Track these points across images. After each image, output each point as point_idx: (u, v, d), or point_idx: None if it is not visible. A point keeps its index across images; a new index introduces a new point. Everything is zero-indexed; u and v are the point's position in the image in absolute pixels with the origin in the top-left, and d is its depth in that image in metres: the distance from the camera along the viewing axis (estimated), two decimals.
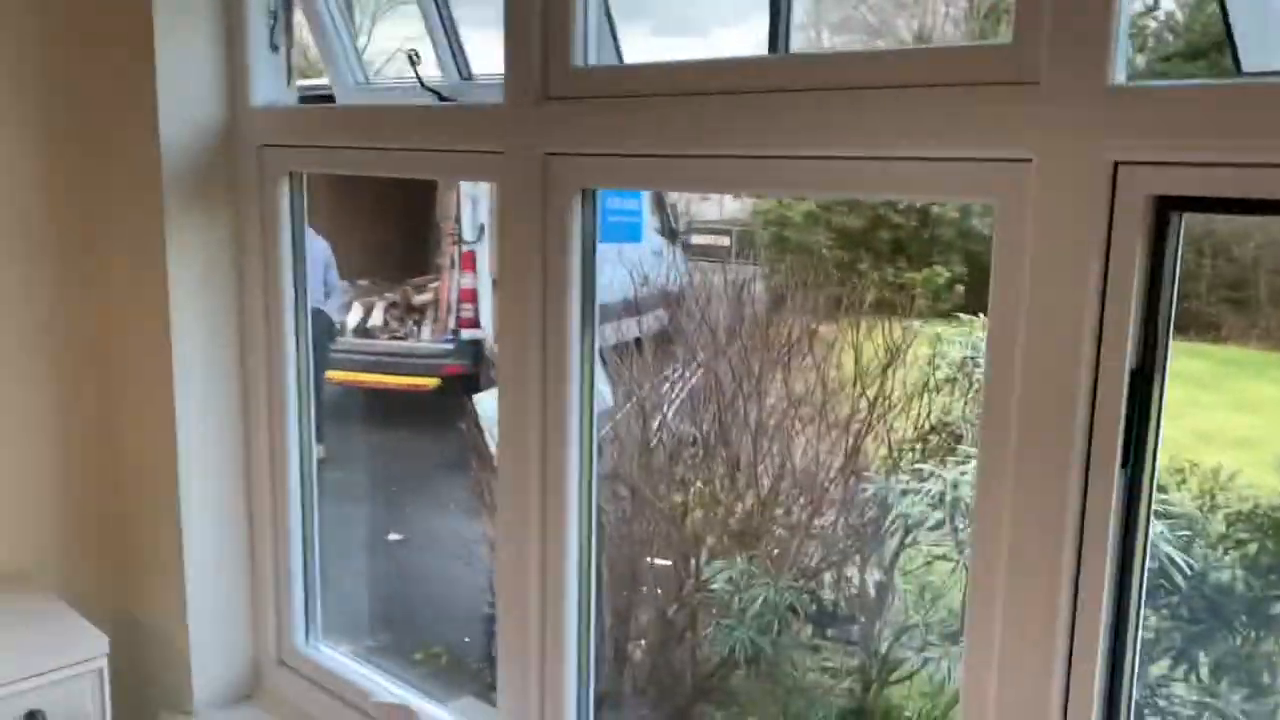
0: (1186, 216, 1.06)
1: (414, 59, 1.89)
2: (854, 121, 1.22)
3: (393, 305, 7.77)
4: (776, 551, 3.07)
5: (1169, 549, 2.27)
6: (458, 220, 7.51)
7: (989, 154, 1.12)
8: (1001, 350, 1.14)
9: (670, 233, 8.09)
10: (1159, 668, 2.35)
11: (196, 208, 2.05)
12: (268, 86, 2.08)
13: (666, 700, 3.11)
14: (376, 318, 7.65)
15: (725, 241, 8.89)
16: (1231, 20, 1.23)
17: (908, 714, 3.14)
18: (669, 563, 3.11)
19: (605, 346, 4.40)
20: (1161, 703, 2.32)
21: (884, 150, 1.21)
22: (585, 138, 1.54)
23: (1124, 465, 1.09)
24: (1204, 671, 2.38)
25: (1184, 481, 2.55)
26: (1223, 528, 2.45)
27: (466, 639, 4.33)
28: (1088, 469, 1.10)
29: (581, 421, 1.64)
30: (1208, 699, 2.35)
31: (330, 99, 2.09)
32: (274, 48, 2.10)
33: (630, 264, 4.85)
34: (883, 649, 3.11)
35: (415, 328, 7.67)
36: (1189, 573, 2.30)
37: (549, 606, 1.72)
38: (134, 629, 2.11)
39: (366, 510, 5.70)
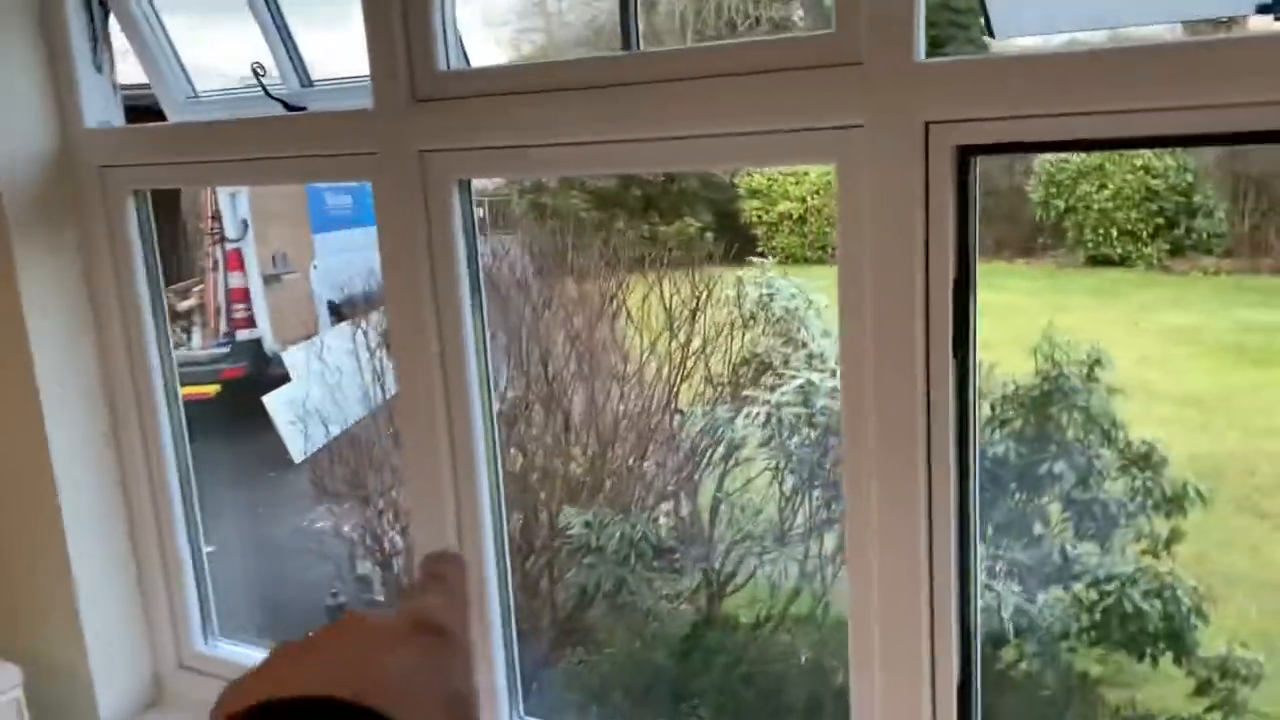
0: (978, 160, 1.39)
1: (258, 71, 1.98)
2: (712, 104, 1.47)
3: None
4: (620, 492, 3.35)
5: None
6: (216, 218, 7.26)
7: (828, 123, 1.40)
8: (850, 274, 1.43)
9: None
10: None
11: (41, 232, 2.05)
12: (98, 106, 2.09)
13: (533, 646, 3.33)
14: None
15: (479, 214, 9.03)
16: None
17: (747, 618, 3.52)
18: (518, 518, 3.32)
19: (385, 333, 4.50)
20: None
21: (739, 127, 1.47)
22: (457, 134, 1.71)
23: (954, 354, 1.41)
24: (990, 531, 2.86)
25: None
26: (990, 411, 2.93)
27: (311, 633, 4.36)
28: (929, 359, 1.41)
29: (482, 395, 1.83)
30: (996, 553, 2.83)
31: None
32: (98, 68, 2.11)
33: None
34: (718, 565, 3.46)
35: (184, 335, 7.38)
36: None
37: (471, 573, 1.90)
38: (31, 659, 2.10)
39: (201, 524, 5.54)
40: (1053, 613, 2.76)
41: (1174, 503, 2.94)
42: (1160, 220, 8.35)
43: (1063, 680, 2.90)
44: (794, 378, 2.94)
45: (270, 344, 7.09)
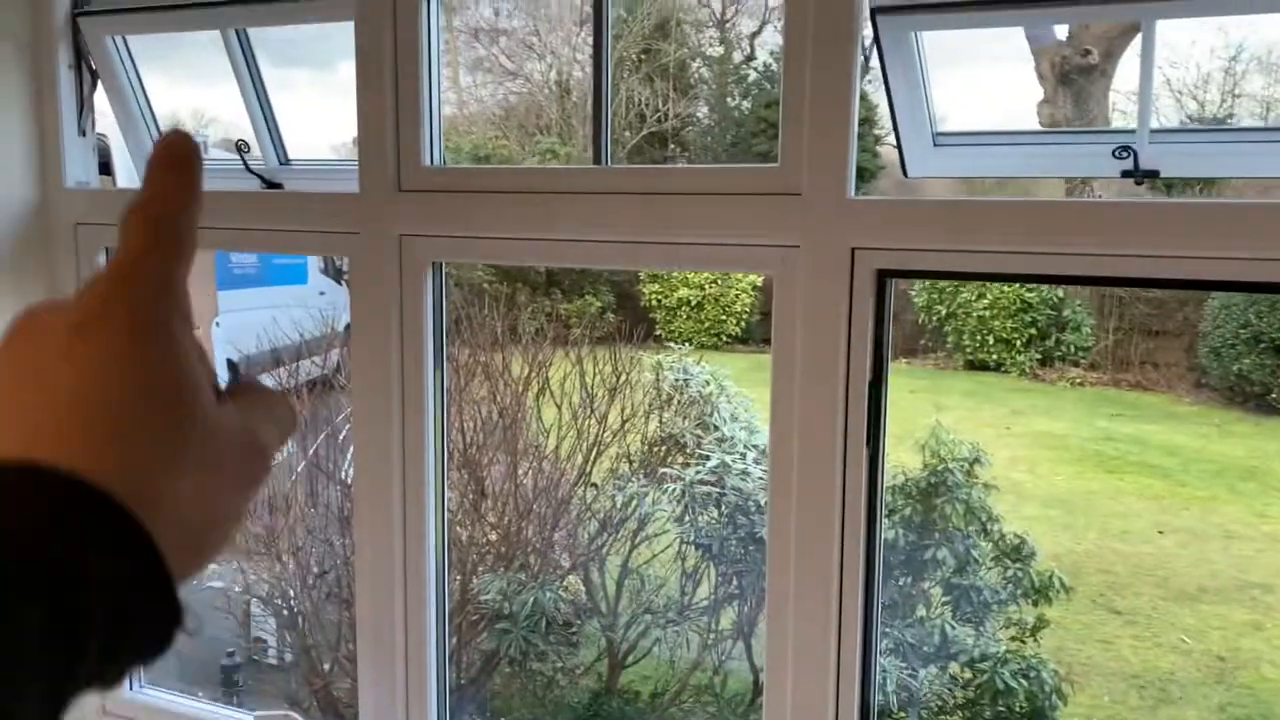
0: (894, 281, 1.65)
1: (242, 148, 2.14)
2: (670, 216, 1.70)
3: None
4: (531, 561, 3.49)
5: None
6: None
7: (770, 242, 1.64)
8: (782, 372, 1.66)
9: (336, 272, 8.26)
10: None
11: (13, 284, 2.14)
12: (78, 167, 2.22)
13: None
14: None
15: None
16: (902, 142, 1.85)
17: (639, 689, 3.66)
18: None
19: (292, 389, 4.58)
20: None
21: (693, 238, 1.70)
22: (435, 222, 1.90)
23: (868, 444, 1.65)
24: (880, 612, 3.09)
25: None
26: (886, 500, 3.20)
27: (200, 693, 4.31)
28: (845, 449, 1.64)
29: (438, 464, 1.99)
30: (884, 630, 3.07)
31: None
32: (81, 131, 2.24)
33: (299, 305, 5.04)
34: (619, 636, 3.61)
35: None
36: None
37: (410, 631, 2.03)
38: None
39: None
40: (932, 688, 3.01)
41: (1040, 592, 3.24)
42: (1033, 331, 8.92)
43: None
44: (707, 458, 3.16)
45: None
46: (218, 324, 7.64)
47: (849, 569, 1.67)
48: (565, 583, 3.58)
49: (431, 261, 1.93)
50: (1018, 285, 8.69)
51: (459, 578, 3.41)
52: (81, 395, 0.33)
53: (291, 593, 3.86)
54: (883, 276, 1.61)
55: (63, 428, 0.32)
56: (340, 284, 7.94)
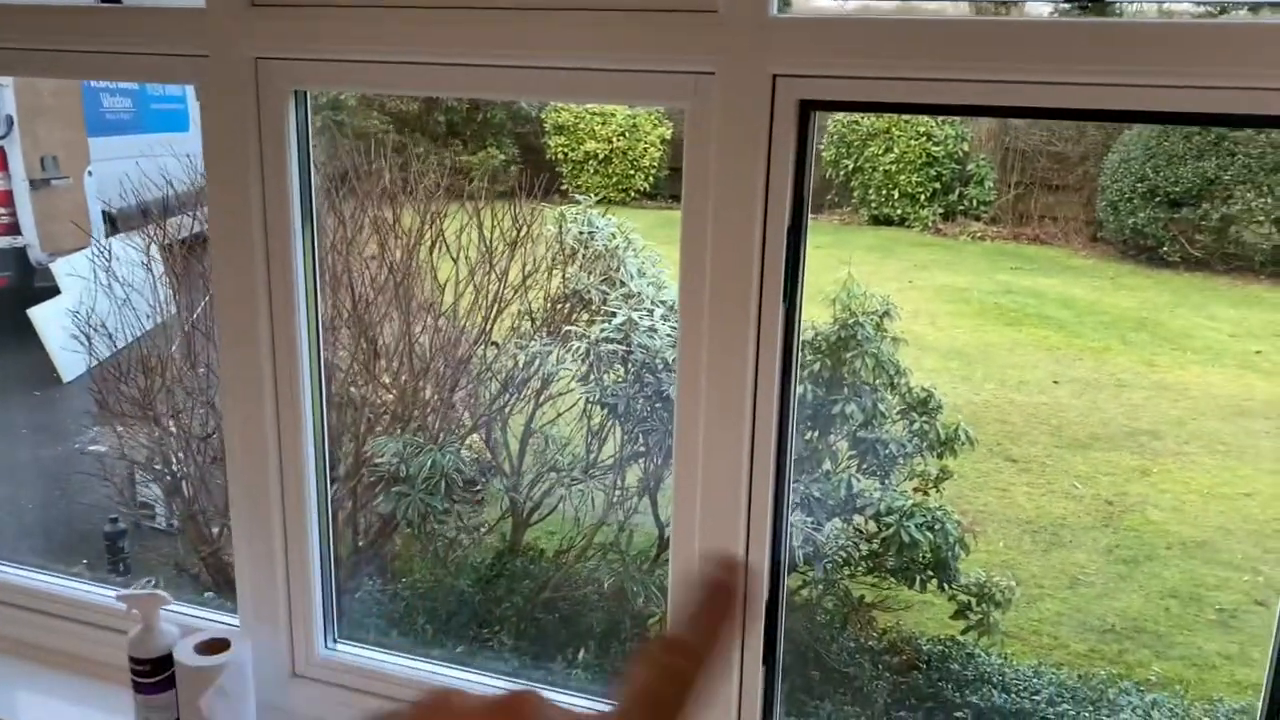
0: (818, 114, 1.48)
1: None
2: (565, 35, 1.49)
3: None
4: (430, 423, 3.34)
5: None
6: None
7: (681, 68, 1.45)
8: (694, 216, 1.50)
9: None
10: None
11: None
12: None
13: (338, 572, 3.29)
14: None
15: None
16: None
17: (544, 547, 3.60)
18: None
19: (165, 246, 4.26)
20: None
21: (593, 62, 1.49)
22: (294, 43, 1.65)
23: (785, 298, 1.51)
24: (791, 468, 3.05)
25: None
26: None
27: (85, 560, 4.14)
28: (761, 303, 1.50)
29: (309, 313, 1.79)
30: (792, 486, 3.03)
31: None
32: None
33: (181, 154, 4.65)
34: (524, 494, 3.52)
35: None
36: None
37: (287, 499, 1.86)
38: None
39: None
40: (837, 542, 3.00)
41: (946, 445, 3.23)
42: (937, 185, 8.93)
43: (841, 604, 3.16)
44: (613, 315, 3.02)
45: (37, 254, 6.53)
46: (90, 173, 7.11)
47: (761, 428, 1.55)
48: (468, 442, 3.45)
49: (293, 89, 1.68)
50: (924, 138, 8.61)
51: (353, 441, 3.25)
52: None
53: (174, 457, 3.65)
54: (806, 108, 1.44)
55: None
56: None
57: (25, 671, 2.06)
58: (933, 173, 8.93)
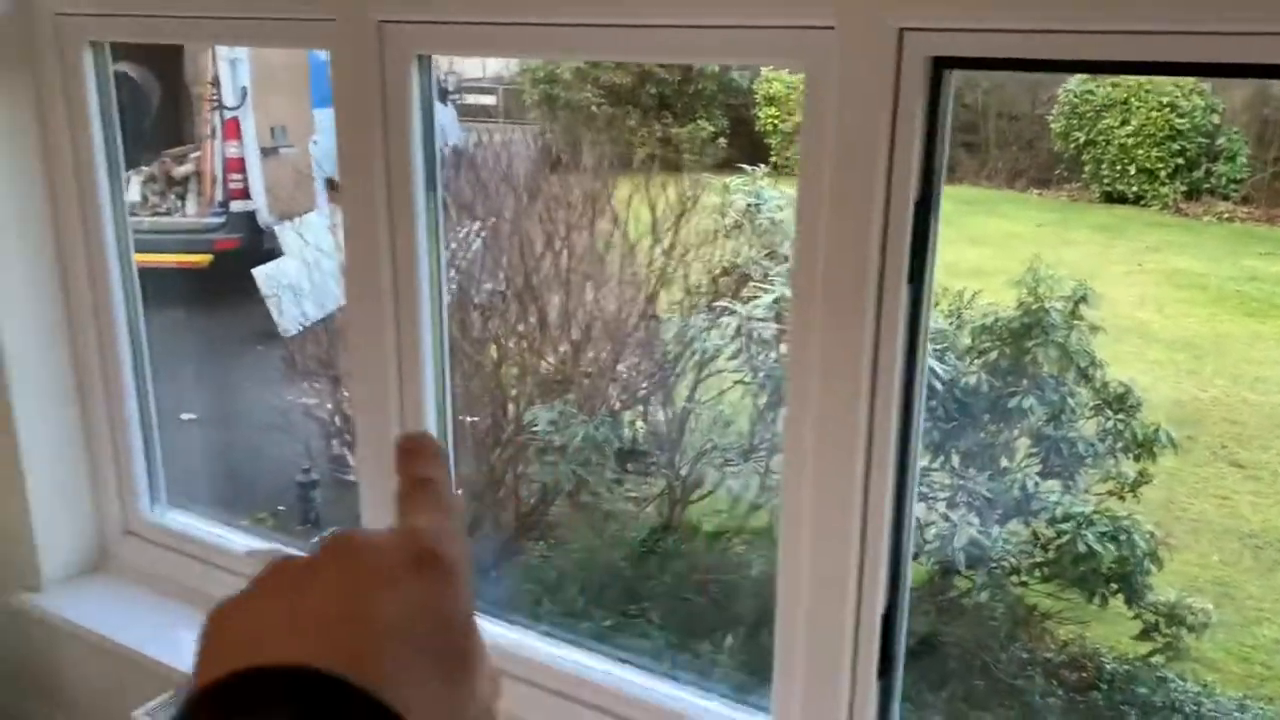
0: (953, 74, 1.31)
1: None
2: None
3: (150, 179, 7.27)
4: (588, 394, 3.32)
5: (929, 360, 2.67)
6: (215, 85, 7.09)
7: (797, 22, 1.32)
8: (811, 186, 1.36)
9: (441, 93, 7.97)
10: (920, 460, 2.79)
11: None
12: None
13: (494, 537, 3.35)
14: (134, 193, 7.14)
15: (492, 101, 8.81)
16: None
17: (707, 528, 3.52)
18: (475, 419, 3.28)
19: None
20: (924, 489, 2.77)
21: (709, 20, 1.38)
22: (417, 7, 1.62)
23: (910, 280, 1.35)
24: (956, 460, 2.84)
25: (936, 303, 2.95)
26: (969, 340, 2.89)
27: (281, 507, 4.40)
28: (882, 284, 1.35)
29: (432, 275, 1.77)
30: (960, 482, 2.81)
31: None
32: None
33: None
34: (683, 472, 3.45)
35: (179, 202, 7.27)
36: (943, 379, 2.72)
37: None
38: None
39: (152, 393, 5.55)
40: (1006, 547, 2.76)
41: (1144, 446, 2.91)
42: (1180, 160, 8.19)
43: (1011, 612, 2.92)
44: (767, 292, 2.88)
45: (265, 217, 6.99)
46: (315, 142, 7.55)
47: (880, 418, 1.40)
48: (625, 418, 3.41)
49: (416, 54, 1.66)
50: (1167, 109, 7.89)
51: (514, 407, 3.27)
52: (398, 628, 0.37)
53: (350, 415, 3.82)
54: (939, 66, 1.28)
55: (378, 656, 0.35)
56: (445, 104, 7.68)
57: (180, 613, 2.18)
58: (1176, 147, 8.17)
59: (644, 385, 3.38)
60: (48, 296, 2.13)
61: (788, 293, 2.79)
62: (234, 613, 0.38)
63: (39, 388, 2.14)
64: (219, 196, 7.19)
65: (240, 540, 2.21)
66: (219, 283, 6.56)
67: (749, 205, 3.20)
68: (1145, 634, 2.81)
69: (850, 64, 1.29)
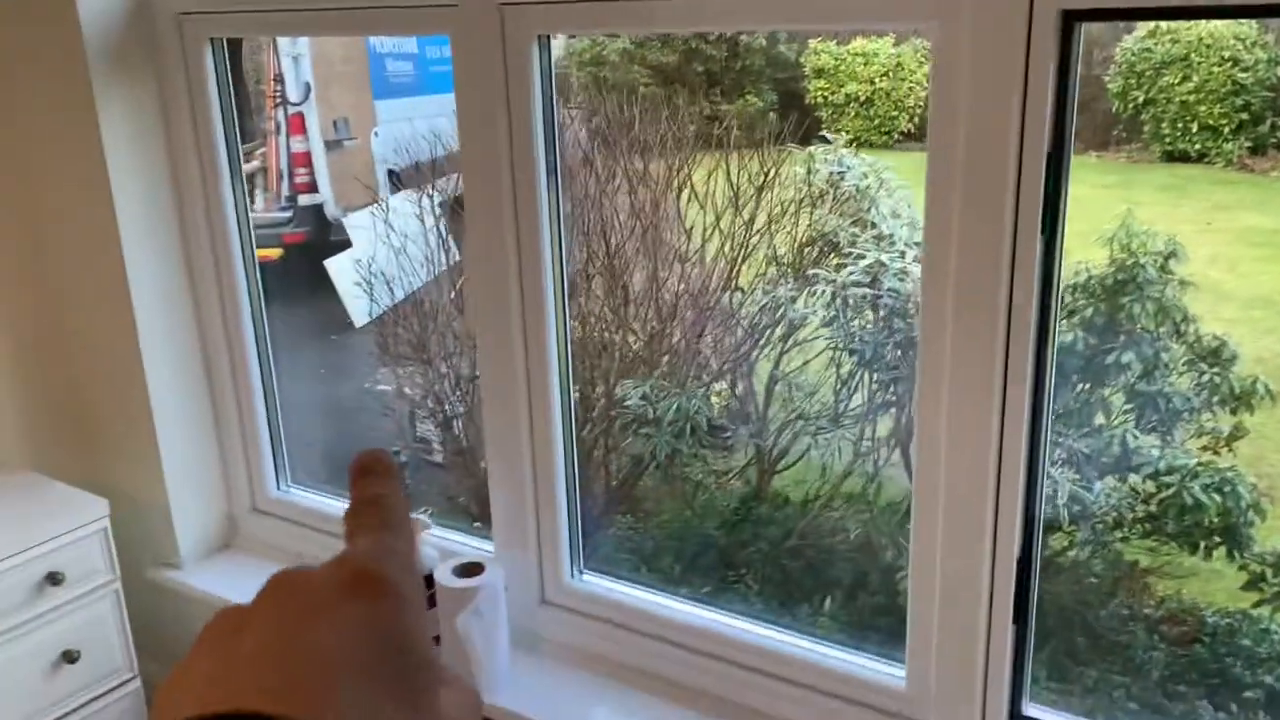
0: (1083, 27, 1.33)
1: None
2: None
3: None
4: (677, 368, 3.38)
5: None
6: (278, 81, 7.22)
7: None
8: (942, 142, 1.40)
9: None
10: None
11: (121, 81, 2.06)
12: None
13: (588, 510, 3.42)
14: None
15: None
16: None
17: (797, 495, 3.56)
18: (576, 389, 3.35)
19: (443, 202, 4.49)
20: None
21: None
22: None
23: (1043, 232, 1.39)
24: (1051, 419, 2.84)
25: None
26: (1064, 299, 2.89)
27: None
28: (1016, 238, 1.39)
29: (554, 259, 1.83)
30: (1056, 439, 2.83)
31: None
32: None
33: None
34: (770, 441, 3.49)
35: (247, 198, 7.42)
36: None
37: (537, 437, 1.93)
38: (116, 496, 2.20)
39: (275, 378, 5.72)
40: (1108, 501, 2.77)
41: (1241, 399, 2.90)
42: (1245, 116, 7.99)
43: (1111, 568, 2.93)
44: (861, 258, 2.91)
45: (332, 209, 7.12)
46: (376, 134, 7.66)
47: (1014, 372, 1.44)
48: (714, 389, 3.46)
49: (537, 34, 1.71)
50: (1229, 63, 7.72)
51: (605, 385, 3.33)
52: (336, 655, 0.35)
53: (446, 397, 3.90)
54: (1070, 19, 1.31)
55: (315, 687, 0.34)
56: None
57: None
58: (1240, 102, 7.98)
59: (732, 357, 3.42)
60: (177, 289, 2.23)
61: (883, 258, 2.82)
62: (177, 674, 0.37)
63: (172, 377, 2.24)
64: (285, 191, 7.33)
65: None
66: (289, 276, 6.71)
67: (831, 174, 3.22)
68: (1251, 584, 2.81)
69: (982, 20, 1.32)
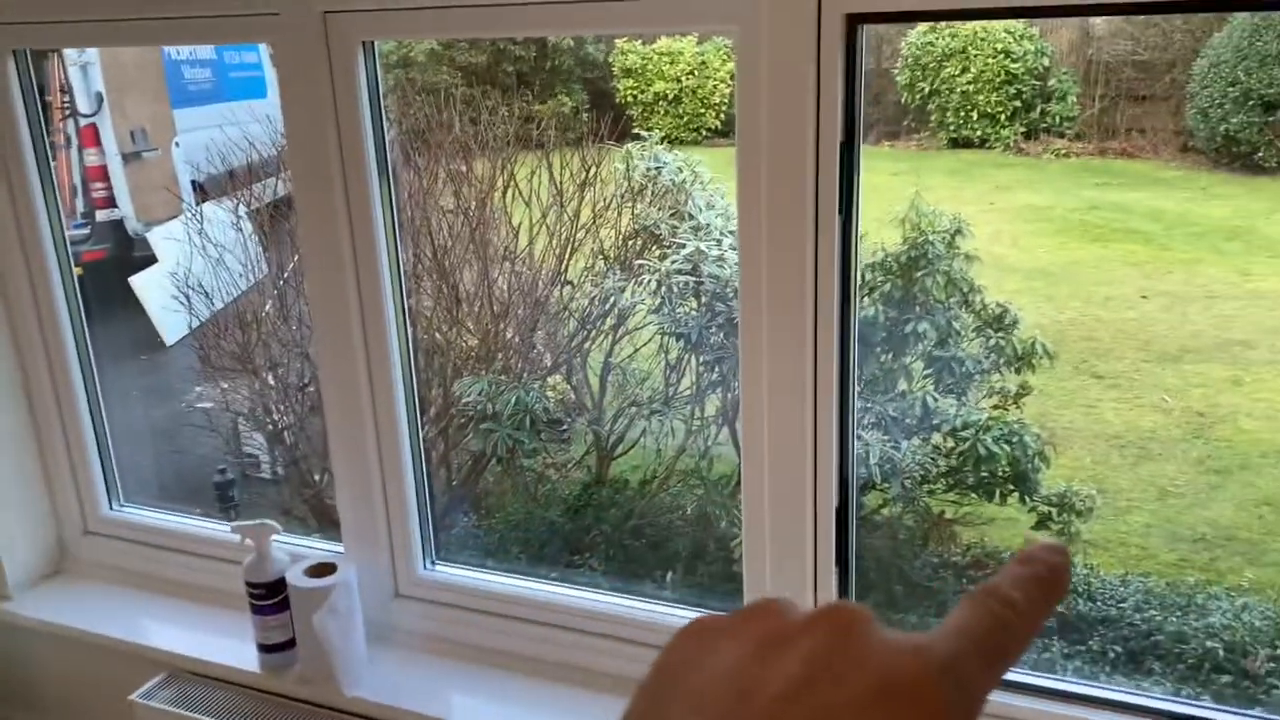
0: (866, 29, 1.50)
1: None
2: None
3: None
4: (512, 362, 3.45)
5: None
6: (65, 91, 6.83)
7: None
8: (749, 138, 1.54)
9: None
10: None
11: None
12: None
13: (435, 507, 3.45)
14: None
15: None
16: None
17: (636, 476, 3.70)
18: None
19: (253, 210, 4.42)
20: None
21: None
22: None
23: (840, 212, 1.55)
24: (859, 387, 3.09)
25: None
26: (861, 278, 3.14)
27: (198, 511, 4.37)
28: (817, 218, 1.55)
29: (390, 260, 1.88)
30: (866, 405, 3.07)
31: None
32: None
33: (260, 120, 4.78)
34: (607, 428, 3.62)
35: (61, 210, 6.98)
36: None
37: (382, 431, 1.98)
38: None
39: (101, 393, 5.42)
40: (915, 459, 3.03)
41: (1024, 359, 3.23)
42: (1017, 103, 8.67)
43: (921, 521, 3.20)
44: (682, 247, 3.07)
45: (134, 224, 6.80)
46: (177, 144, 7.35)
47: (823, 342, 1.60)
48: (550, 381, 3.56)
49: (361, 41, 1.76)
50: (1002, 55, 8.36)
51: (441, 384, 3.38)
52: None
53: (274, 408, 3.84)
54: (853, 22, 1.47)
55: None
56: None
57: (153, 601, 2.24)
58: (1012, 91, 8.65)
59: (566, 348, 3.53)
60: None
61: (702, 246, 2.99)
62: (704, 650, 0.33)
63: None
64: (81, 207, 6.95)
65: (207, 525, 2.28)
66: (90, 296, 6.35)
67: (649, 169, 3.38)
68: (1041, 524, 3.13)
69: (778, 25, 1.47)
